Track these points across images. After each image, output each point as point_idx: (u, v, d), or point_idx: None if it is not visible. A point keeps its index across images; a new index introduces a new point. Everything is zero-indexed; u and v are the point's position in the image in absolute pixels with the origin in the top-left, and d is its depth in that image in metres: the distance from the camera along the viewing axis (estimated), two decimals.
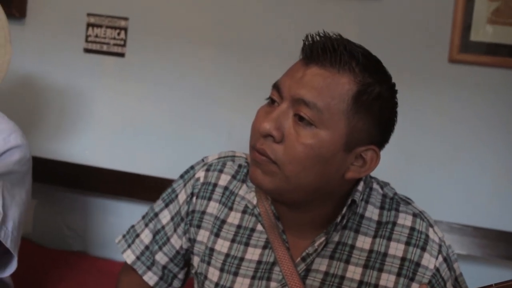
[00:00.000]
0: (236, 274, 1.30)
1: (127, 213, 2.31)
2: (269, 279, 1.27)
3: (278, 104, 1.19)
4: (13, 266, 1.54)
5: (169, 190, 1.44)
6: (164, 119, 2.24)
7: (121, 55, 2.27)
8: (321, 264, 1.26)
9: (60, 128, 2.35)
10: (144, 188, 2.23)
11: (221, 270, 1.32)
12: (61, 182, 2.32)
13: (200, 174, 1.40)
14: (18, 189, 1.59)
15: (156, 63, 2.24)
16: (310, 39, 1.20)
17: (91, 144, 2.33)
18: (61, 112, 2.35)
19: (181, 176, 1.44)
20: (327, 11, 2.08)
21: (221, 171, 1.39)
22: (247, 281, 1.29)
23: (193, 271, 1.40)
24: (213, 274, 1.33)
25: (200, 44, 2.19)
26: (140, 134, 2.27)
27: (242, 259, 1.31)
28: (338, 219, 1.24)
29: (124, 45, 2.26)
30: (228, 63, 2.17)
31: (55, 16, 2.34)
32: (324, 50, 1.16)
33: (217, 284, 1.32)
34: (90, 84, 2.31)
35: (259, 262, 1.29)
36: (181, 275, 1.45)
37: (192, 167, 1.44)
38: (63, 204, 2.39)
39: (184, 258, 1.42)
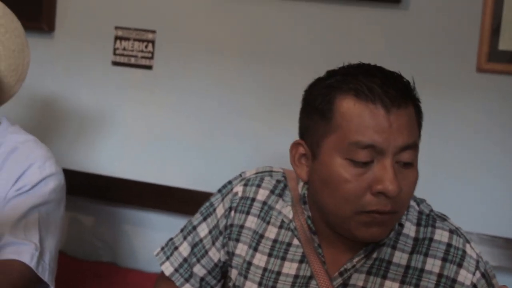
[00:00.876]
0: None
1: (155, 225, 2.33)
2: None
3: (373, 161, 1.17)
4: None
5: (207, 204, 1.47)
6: (191, 131, 2.26)
7: (149, 67, 2.29)
8: (358, 280, 1.27)
9: (89, 140, 2.38)
10: (172, 199, 2.25)
11: (259, 284, 1.34)
12: (90, 194, 2.34)
13: (238, 188, 1.42)
14: (54, 218, 1.61)
15: (183, 75, 2.25)
16: (368, 84, 1.17)
17: (120, 156, 2.35)
18: (89, 124, 2.37)
19: (219, 191, 1.47)
20: (352, 21, 2.08)
21: (259, 186, 1.41)
22: None
23: (230, 284, 1.42)
24: None
25: (227, 56, 2.20)
26: (168, 146, 2.29)
27: (279, 273, 1.32)
28: (385, 241, 1.26)
29: (151, 58, 2.28)
30: (255, 75, 2.18)
31: (83, 29, 2.37)
32: (399, 91, 1.17)
33: None
34: (118, 96, 2.34)
35: (296, 276, 1.31)
36: (218, 287, 1.48)
37: (230, 182, 1.46)
38: (93, 215, 2.41)
39: (222, 270, 1.45)
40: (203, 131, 2.24)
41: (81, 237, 2.41)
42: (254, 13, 2.18)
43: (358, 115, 1.16)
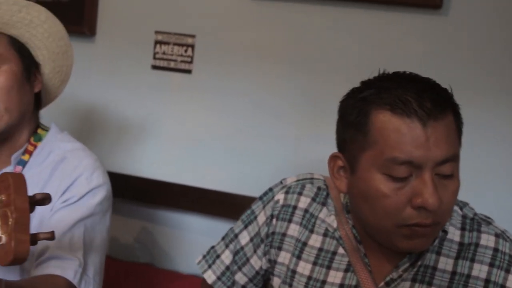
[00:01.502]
0: None
1: (193, 227, 2.35)
2: None
3: (412, 175, 1.16)
4: None
5: (248, 211, 1.48)
6: (230, 135, 2.27)
7: (188, 71, 2.30)
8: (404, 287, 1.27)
9: (129, 143, 2.41)
10: (210, 202, 2.26)
11: None
12: (129, 195, 2.37)
13: (280, 196, 1.43)
14: (99, 229, 1.62)
15: (222, 80, 2.27)
16: (403, 98, 1.16)
17: (158, 159, 2.37)
18: (129, 127, 2.40)
19: (260, 198, 1.48)
20: (393, 27, 2.07)
21: (300, 193, 1.42)
22: None
23: None
24: None
25: (267, 60, 2.21)
26: (206, 149, 2.30)
27: (324, 282, 1.33)
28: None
29: (191, 62, 2.30)
30: (295, 79, 2.18)
31: (124, 33, 2.40)
32: (435, 102, 1.16)
33: None
34: (157, 100, 2.36)
35: (341, 285, 1.32)
36: None
37: (270, 189, 1.47)
38: (130, 217, 2.44)
39: (263, 278, 1.46)
40: (242, 135, 2.26)
41: (118, 238, 2.44)
42: (294, 18, 2.18)
43: (394, 130, 1.15)
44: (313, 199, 1.40)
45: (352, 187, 1.25)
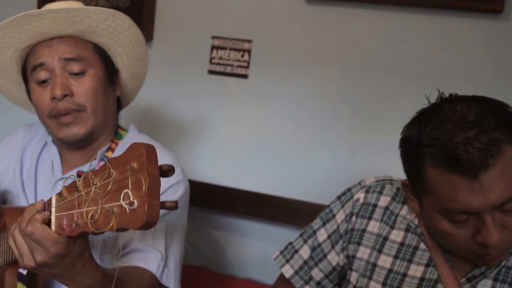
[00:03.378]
0: None
1: (247, 231, 2.36)
2: None
3: (472, 215, 1.19)
4: None
5: (327, 210, 1.53)
6: (286, 139, 2.28)
7: (244, 76, 2.32)
8: (485, 286, 1.30)
9: (184, 147, 2.43)
10: (265, 207, 2.27)
11: (384, 284, 1.39)
12: None
13: (360, 195, 1.48)
14: (179, 225, 1.66)
15: (278, 85, 2.28)
16: (455, 154, 1.15)
17: (214, 162, 2.39)
18: (185, 131, 2.43)
19: (338, 197, 1.53)
20: (451, 32, 2.06)
21: (380, 193, 1.46)
22: None
23: (350, 287, 1.46)
24: None
25: (323, 65, 2.22)
26: (261, 154, 2.32)
27: (405, 275, 1.37)
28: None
29: (247, 67, 2.31)
30: (350, 84, 2.19)
31: (180, 38, 2.43)
32: (487, 148, 1.14)
33: None
34: (213, 104, 2.38)
35: (422, 279, 1.35)
36: None
37: (349, 189, 1.52)
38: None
39: (339, 275, 1.50)
40: (298, 139, 2.26)
41: None
42: (350, 23, 2.18)
43: (447, 183, 1.18)
44: (393, 198, 1.45)
45: (422, 215, 1.33)
